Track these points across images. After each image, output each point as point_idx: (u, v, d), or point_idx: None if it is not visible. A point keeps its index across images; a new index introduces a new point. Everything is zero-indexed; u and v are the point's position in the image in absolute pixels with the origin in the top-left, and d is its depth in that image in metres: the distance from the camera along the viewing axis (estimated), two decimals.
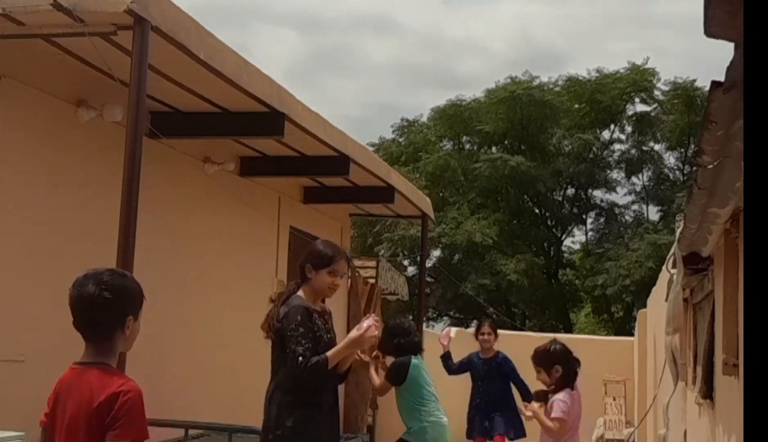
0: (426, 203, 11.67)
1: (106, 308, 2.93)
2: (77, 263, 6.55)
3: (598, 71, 28.41)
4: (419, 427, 6.85)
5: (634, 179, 29.48)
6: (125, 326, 2.99)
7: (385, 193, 10.31)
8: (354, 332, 4.76)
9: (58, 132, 6.42)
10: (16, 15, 5.21)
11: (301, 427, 4.62)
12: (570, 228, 30.34)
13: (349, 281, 11.77)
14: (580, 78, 28.53)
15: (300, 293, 4.82)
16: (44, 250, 6.25)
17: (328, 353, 4.64)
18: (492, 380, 9.19)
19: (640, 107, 28.78)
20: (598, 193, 29.69)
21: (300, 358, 4.53)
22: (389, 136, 30.99)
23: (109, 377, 2.91)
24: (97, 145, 6.72)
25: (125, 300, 3.00)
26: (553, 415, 5.84)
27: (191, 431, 6.74)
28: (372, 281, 13.07)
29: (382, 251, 25.24)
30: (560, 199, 29.89)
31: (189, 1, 6.26)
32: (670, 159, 29.47)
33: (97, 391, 2.87)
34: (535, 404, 6.12)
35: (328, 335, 4.81)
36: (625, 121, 29.16)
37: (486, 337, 9.31)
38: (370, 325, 4.77)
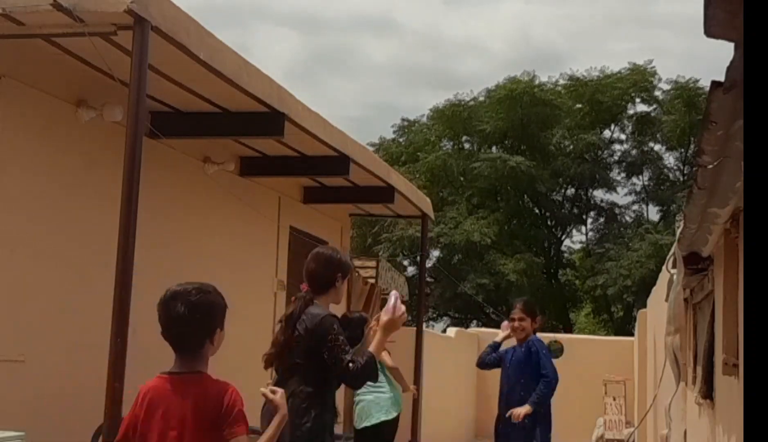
0: (426, 203, 11.67)
1: (197, 327, 3.16)
2: (77, 262, 6.57)
3: (599, 71, 28.45)
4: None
5: (634, 179, 29.51)
6: (214, 338, 3.22)
7: (385, 193, 10.31)
8: (384, 316, 4.74)
9: (58, 132, 6.41)
10: (16, 15, 5.21)
11: (316, 432, 4.63)
12: (570, 228, 30.35)
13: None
14: (581, 77, 28.55)
15: (316, 302, 4.81)
16: (44, 250, 6.25)
17: (371, 349, 4.67)
18: (518, 372, 7.39)
19: (641, 107, 28.82)
20: (598, 194, 29.72)
21: (351, 364, 4.56)
22: (389, 136, 31.02)
23: (210, 383, 3.16)
24: (97, 145, 6.72)
25: (213, 316, 3.22)
26: None
27: None
28: (372, 281, 13.08)
29: (381, 251, 25.24)
30: (560, 199, 29.90)
31: (189, 1, 6.26)
32: (670, 159, 29.51)
33: (202, 397, 3.11)
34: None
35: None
36: (625, 122, 29.17)
37: (516, 324, 7.43)
38: (397, 304, 4.76)
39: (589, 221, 30.27)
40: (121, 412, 5.00)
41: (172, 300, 3.14)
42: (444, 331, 20.30)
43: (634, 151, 29.19)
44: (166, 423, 3.10)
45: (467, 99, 28.95)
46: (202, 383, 3.14)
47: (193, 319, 3.12)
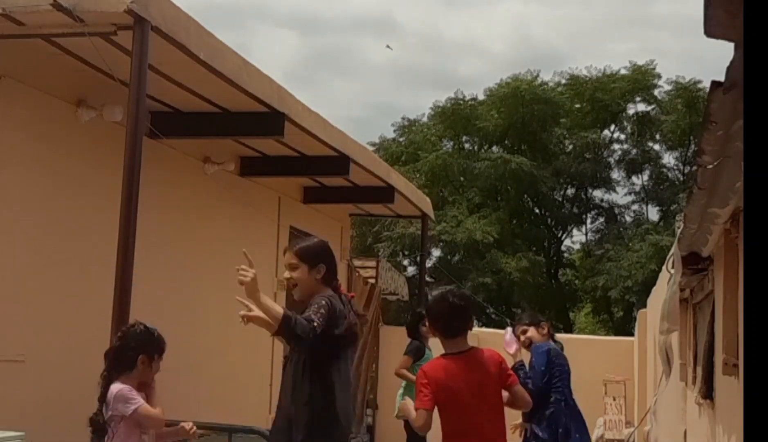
0: (426, 203, 11.67)
1: (465, 315, 4.44)
2: (77, 262, 6.57)
3: (599, 71, 28.45)
4: None
5: (634, 179, 29.49)
6: (472, 325, 4.50)
7: (385, 193, 10.31)
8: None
9: (58, 132, 6.41)
10: (16, 15, 5.21)
11: None
12: (570, 228, 30.34)
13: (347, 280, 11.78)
14: (582, 76, 28.54)
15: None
16: (44, 250, 6.25)
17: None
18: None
19: (641, 107, 28.81)
20: (597, 194, 29.70)
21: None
22: (389, 136, 30.99)
23: (483, 352, 4.46)
24: (97, 145, 6.72)
25: (473, 309, 4.56)
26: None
27: None
28: (372, 281, 13.07)
29: (382, 250, 25.22)
30: (560, 199, 29.89)
31: (189, 1, 6.26)
32: (670, 159, 29.50)
33: (489, 362, 4.39)
34: None
35: None
36: (625, 121, 29.16)
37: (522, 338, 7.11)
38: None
39: (589, 220, 30.28)
40: None
41: (445, 298, 4.44)
42: None
43: (634, 151, 29.17)
44: (472, 387, 4.27)
45: (468, 98, 28.98)
46: (478, 354, 4.40)
47: (464, 309, 4.41)
